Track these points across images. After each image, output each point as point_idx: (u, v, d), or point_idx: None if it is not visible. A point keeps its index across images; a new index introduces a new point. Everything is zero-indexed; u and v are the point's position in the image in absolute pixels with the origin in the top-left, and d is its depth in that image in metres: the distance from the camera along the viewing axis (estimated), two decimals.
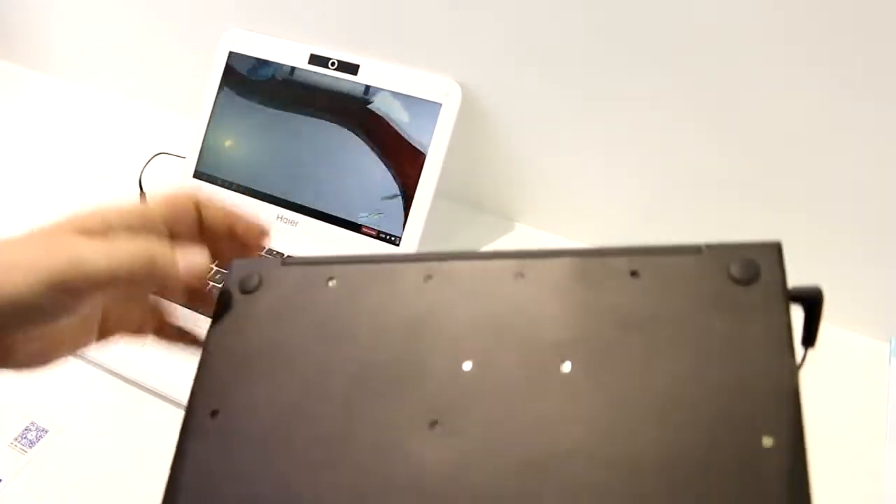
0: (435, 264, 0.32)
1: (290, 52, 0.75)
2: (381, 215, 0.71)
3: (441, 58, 0.71)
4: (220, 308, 0.35)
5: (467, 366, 0.29)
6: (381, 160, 0.71)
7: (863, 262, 0.63)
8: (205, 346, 0.34)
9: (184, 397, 0.61)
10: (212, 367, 0.33)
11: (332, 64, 0.74)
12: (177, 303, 0.40)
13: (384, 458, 0.28)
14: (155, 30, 0.89)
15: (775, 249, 0.28)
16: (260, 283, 0.35)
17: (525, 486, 0.26)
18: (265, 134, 0.76)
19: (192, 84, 0.85)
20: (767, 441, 0.24)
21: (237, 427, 0.31)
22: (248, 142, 0.77)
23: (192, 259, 0.34)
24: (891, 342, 0.66)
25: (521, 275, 0.31)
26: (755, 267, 0.28)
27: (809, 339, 0.30)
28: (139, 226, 0.34)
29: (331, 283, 0.34)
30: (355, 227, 0.72)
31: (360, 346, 0.31)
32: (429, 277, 0.32)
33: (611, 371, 0.27)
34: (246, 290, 0.35)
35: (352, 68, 0.73)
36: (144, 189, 0.79)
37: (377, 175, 0.71)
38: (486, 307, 0.30)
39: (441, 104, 0.69)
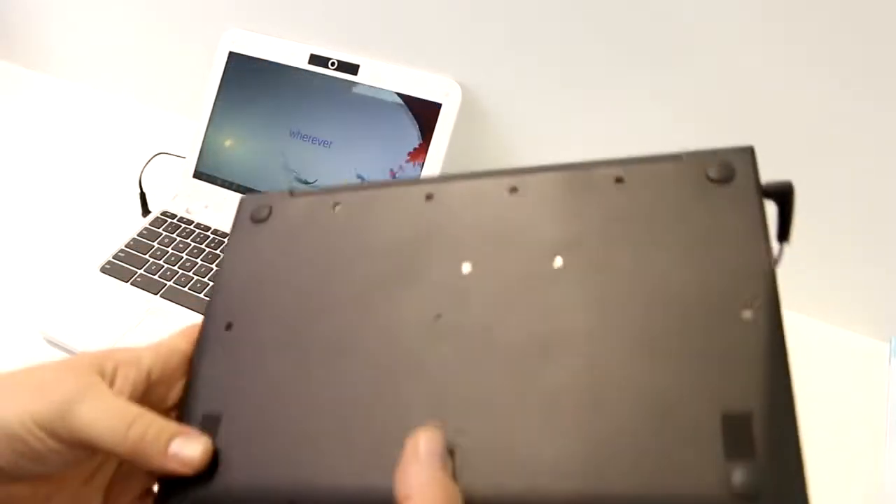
0: (435, 185, 0.35)
1: (290, 52, 0.75)
2: None
3: (441, 58, 0.71)
4: (233, 237, 0.37)
5: (466, 268, 0.31)
6: (382, 160, 0.71)
7: (863, 262, 0.63)
8: (219, 272, 0.36)
9: None
10: (225, 289, 0.35)
11: (332, 64, 0.74)
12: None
13: (392, 349, 0.30)
14: (155, 30, 0.89)
15: (748, 152, 0.30)
16: (270, 212, 0.37)
17: (524, 365, 0.28)
18: (265, 134, 0.76)
19: (192, 84, 0.85)
20: (746, 314, 0.27)
21: (250, 334, 0.32)
22: (249, 142, 0.77)
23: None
24: (891, 342, 0.66)
25: (515, 189, 0.33)
26: (731, 168, 0.30)
27: (784, 233, 0.31)
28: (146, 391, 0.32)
29: (337, 209, 0.36)
30: None
31: (365, 258, 0.33)
32: (429, 197, 0.34)
33: (600, 262, 0.30)
34: (257, 220, 0.37)
35: (352, 68, 0.73)
36: (144, 189, 0.79)
37: (377, 175, 0.71)
38: (482, 218, 0.33)
39: (441, 104, 0.69)
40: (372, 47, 0.73)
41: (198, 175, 0.78)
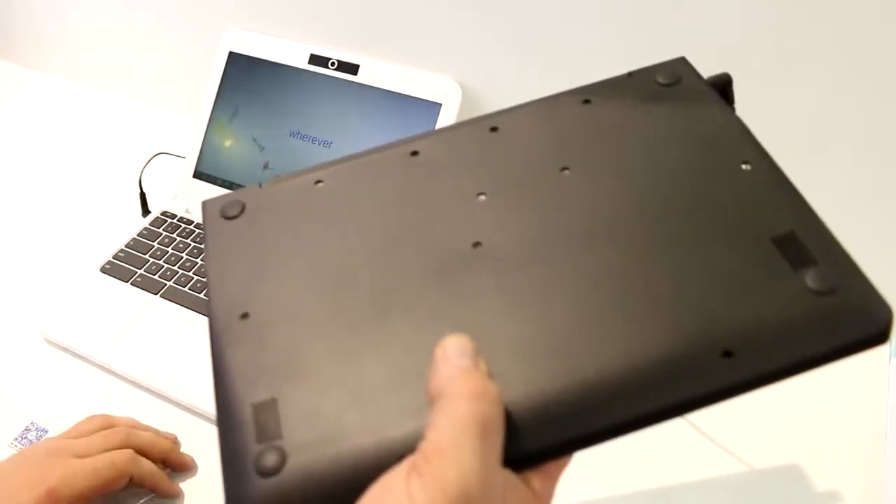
0: (416, 142, 0.36)
1: (290, 52, 0.75)
2: None
3: (441, 58, 0.71)
4: (210, 238, 0.35)
5: (482, 198, 0.33)
6: None
7: (862, 263, 0.63)
8: (209, 274, 0.34)
9: (184, 398, 0.61)
10: (222, 287, 0.33)
11: (332, 64, 0.74)
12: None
13: (435, 289, 0.30)
14: (155, 30, 0.89)
15: (684, 60, 0.37)
16: (243, 208, 0.36)
17: (577, 258, 0.30)
18: (265, 134, 0.76)
19: (192, 84, 0.85)
20: (746, 166, 0.32)
21: (273, 317, 0.31)
22: (248, 142, 0.77)
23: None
24: (891, 342, 0.66)
25: (495, 128, 0.36)
26: (676, 73, 0.37)
27: (730, 106, 0.37)
28: (108, 445, 0.52)
29: (319, 185, 0.35)
30: None
31: (370, 219, 0.33)
32: (414, 153, 0.36)
33: (602, 164, 0.33)
34: (230, 217, 0.35)
35: (352, 68, 0.73)
36: (144, 189, 0.79)
37: None
38: (474, 156, 0.35)
39: (441, 104, 0.69)
40: (372, 47, 0.73)
41: (198, 175, 0.78)
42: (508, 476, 0.25)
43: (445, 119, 0.69)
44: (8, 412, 0.60)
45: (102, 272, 0.70)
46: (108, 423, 0.54)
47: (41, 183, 0.86)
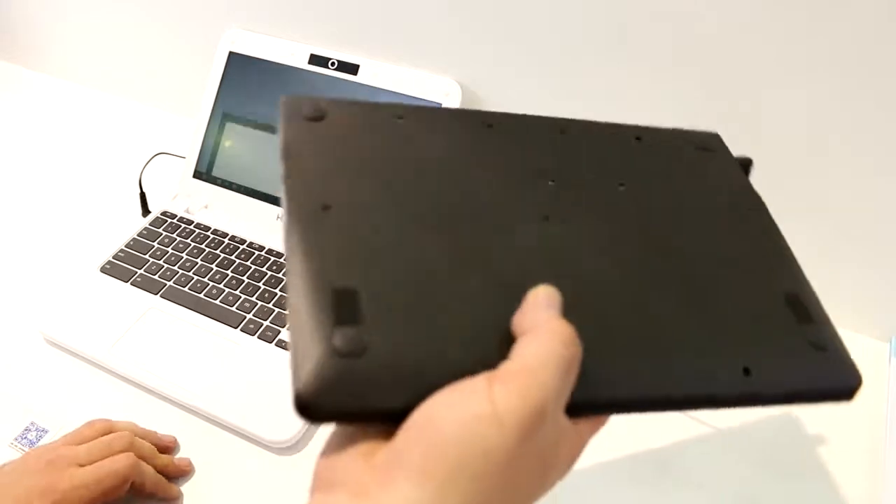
0: (490, 116, 0.40)
1: (290, 52, 0.75)
2: None
3: (441, 58, 0.71)
4: (288, 132, 0.37)
5: (551, 183, 0.37)
6: None
7: (862, 263, 0.64)
8: (287, 162, 0.35)
9: (183, 398, 0.61)
10: (303, 178, 0.34)
11: (332, 64, 0.74)
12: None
13: (514, 242, 0.34)
14: (155, 30, 0.89)
15: (718, 136, 0.44)
16: (324, 114, 0.37)
17: (625, 255, 0.35)
18: (265, 134, 0.76)
19: (192, 84, 0.85)
20: (764, 235, 0.38)
21: (352, 213, 0.33)
22: (248, 142, 0.77)
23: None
24: (891, 342, 0.66)
25: (564, 132, 0.41)
26: (712, 143, 0.43)
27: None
28: (109, 452, 0.51)
29: (399, 121, 0.38)
30: None
31: (443, 161, 0.36)
32: (489, 126, 0.39)
33: (653, 193, 0.39)
34: (312, 118, 0.37)
35: (352, 68, 0.73)
36: (144, 189, 0.79)
37: None
38: (544, 147, 0.39)
39: (441, 104, 0.69)
40: (372, 47, 0.73)
41: (198, 175, 0.78)
42: (566, 420, 0.28)
43: None
44: (8, 412, 0.60)
45: (102, 272, 0.70)
46: (108, 429, 0.54)
47: (41, 183, 0.86)
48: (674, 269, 0.35)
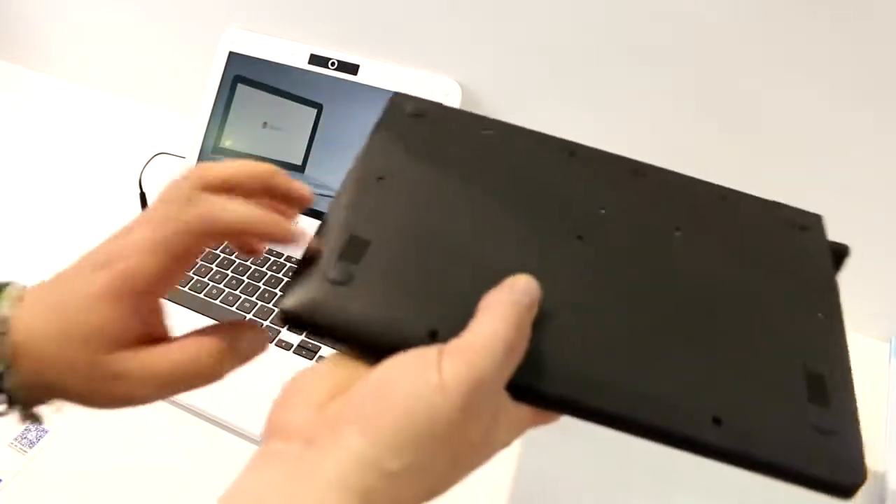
0: (577, 145, 0.42)
1: (290, 52, 0.75)
2: None
3: (441, 58, 0.71)
4: (386, 120, 0.41)
5: (602, 211, 0.38)
6: None
7: (862, 263, 0.63)
8: (371, 138, 0.40)
9: (184, 399, 0.61)
10: (376, 151, 0.39)
11: (332, 64, 0.74)
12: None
13: (539, 247, 0.36)
14: (155, 30, 0.89)
15: (821, 219, 0.42)
16: (424, 113, 0.42)
17: (634, 285, 0.35)
18: (265, 134, 0.76)
19: (192, 84, 0.85)
20: (820, 315, 0.36)
21: (400, 189, 0.37)
22: (248, 142, 0.77)
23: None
24: (891, 342, 0.66)
25: (643, 174, 0.41)
26: (808, 222, 0.41)
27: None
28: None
29: (485, 133, 0.42)
30: None
31: (512, 179, 0.39)
32: (572, 154, 0.41)
33: (710, 247, 0.38)
34: (412, 114, 0.42)
35: (352, 68, 0.73)
36: (144, 189, 0.79)
37: None
38: (612, 181, 0.40)
39: (441, 104, 0.69)
40: (372, 47, 0.73)
41: None
42: (507, 398, 0.30)
43: None
44: (7, 416, 0.60)
45: None
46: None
47: (41, 183, 0.86)
48: (694, 312, 0.35)
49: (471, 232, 0.36)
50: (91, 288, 0.32)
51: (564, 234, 0.37)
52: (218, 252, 0.72)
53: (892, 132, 0.56)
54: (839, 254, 0.41)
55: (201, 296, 0.68)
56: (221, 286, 0.68)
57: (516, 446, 0.57)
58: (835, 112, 0.57)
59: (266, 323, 0.65)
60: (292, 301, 0.32)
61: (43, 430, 0.59)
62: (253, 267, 0.70)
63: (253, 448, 0.57)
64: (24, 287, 0.35)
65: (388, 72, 0.72)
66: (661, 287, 0.35)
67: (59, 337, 0.31)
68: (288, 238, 0.33)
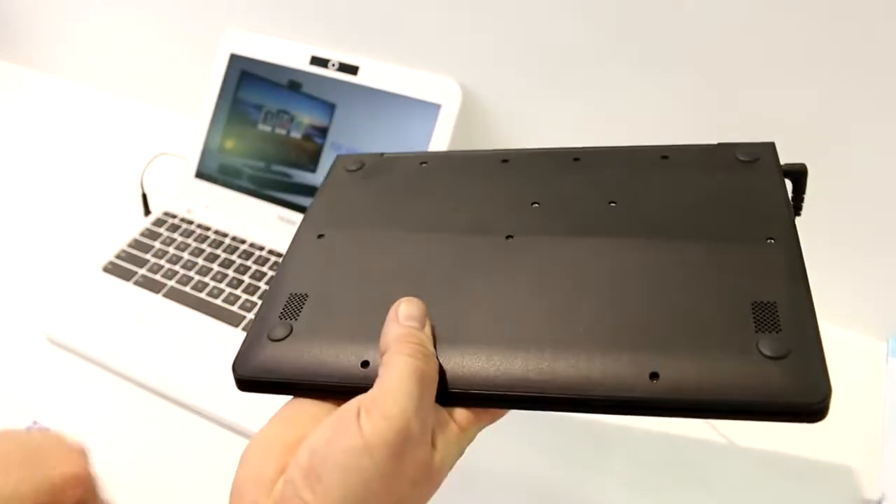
0: (510, 152, 0.43)
1: (290, 53, 0.75)
2: None
3: (441, 58, 0.71)
4: (329, 181, 0.45)
5: (535, 205, 0.39)
6: None
7: (861, 262, 0.64)
8: (315, 200, 0.43)
9: (185, 398, 0.61)
10: (319, 210, 0.42)
11: (333, 65, 0.74)
12: None
13: (463, 259, 0.37)
14: (156, 30, 0.89)
15: (772, 146, 0.41)
16: (362, 165, 0.45)
17: (560, 260, 0.36)
18: (266, 134, 0.76)
19: (192, 84, 0.85)
20: (770, 241, 0.35)
21: (338, 244, 0.40)
22: (249, 142, 0.77)
23: None
24: (888, 341, 0.66)
25: (577, 159, 0.42)
26: (756, 153, 0.40)
27: (797, 207, 0.41)
28: None
29: (424, 165, 0.44)
30: None
31: (447, 197, 0.41)
32: (505, 161, 0.43)
33: (645, 208, 0.38)
34: (350, 170, 0.45)
35: (352, 69, 0.73)
36: (145, 190, 0.79)
37: None
38: (548, 174, 0.41)
39: (441, 104, 0.69)
40: (372, 48, 0.73)
41: (199, 175, 0.78)
42: (439, 413, 0.31)
43: (445, 120, 0.69)
44: (11, 411, 0.60)
45: (105, 272, 0.71)
46: None
47: (43, 183, 0.86)
48: (622, 275, 0.34)
49: (399, 266, 0.37)
50: None
51: (493, 238, 0.38)
52: (219, 252, 0.72)
53: (891, 130, 0.57)
54: (797, 174, 0.40)
55: (202, 295, 0.68)
56: (222, 286, 0.69)
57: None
58: (835, 110, 0.58)
59: None
60: (241, 368, 0.35)
61: (45, 430, 0.59)
62: (254, 267, 0.71)
63: None
64: None
65: (388, 72, 0.72)
66: (591, 265, 0.35)
67: None
68: None
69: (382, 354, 0.31)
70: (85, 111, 0.98)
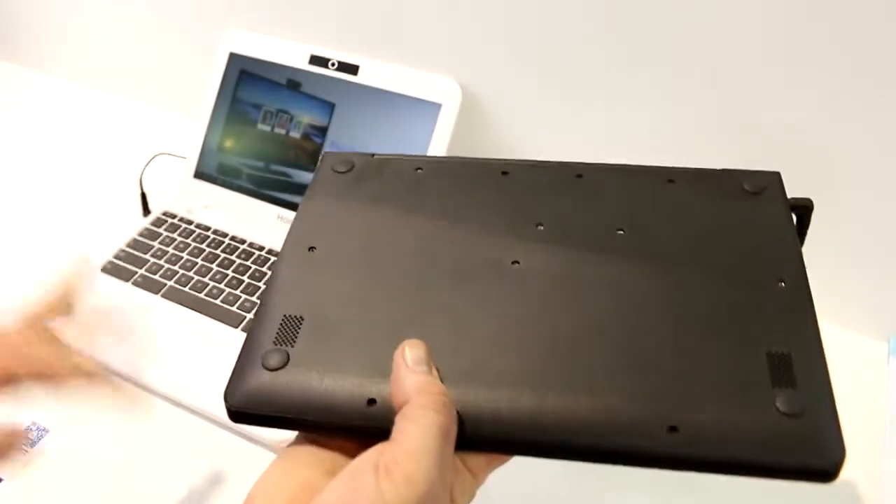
0: (510, 163, 0.41)
1: (290, 52, 0.75)
2: None
3: (441, 58, 0.71)
4: (316, 182, 0.42)
5: (539, 228, 0.37)
6: None
7: (861, 262, 0.64)
8: (302, 207, 0.40)
9: (185, 398, 0.61)
10: (308, 220, 0.40)
11: (332, 65, 0.74)
12: None
13: (473, 287, 0.35)
14: (155, 30, 0.89)
15: (778, 176, 0.39)
16: (352, 167, 0.42)
17: (571, 298, 0.34)
18: (265, 134, 0.76)
19: (192, 84, 0.85)
20: (781, 285, 0.34)
21: (332, 256, 0.37)
22: (249, 142, 0.77)
23: None
24: (889, 341, 0.66)
25: (580, 175, 0.40)
26: (763, 184, 0.39)
27: (801, 238, 0.39)
28: None
29: (419, 171, 0.41)
30: None
31: (446, 210, 0.39)
32: (505, 173, 0.41)
33: (655, 237, 0.36)
34: (339, 171, 0.42)
35: (352, 69, 0.73)
36: (145, 189, 0.79)
37: None
38: (550, 191, 0.39)
39: (441, 104, 0.69)
40: (372, 48, 0.73)
41: (198, 175, 0.78)
42: (456, 463, 0.30)
43: (445, 120, 0.69)
44: (10, 411, 0.60)
45: (103, 272, 0.71)
46: None
47: (42, 183, 0.86)
48: (636, 317, 0.33)
49: (401, 289, 0.35)
50: None
51: (497, 262, 0.36)
52: (218, 252, 0.72)
53: (890, 131, 0.57)
54: (802, 210, 0.38)
55: (202, 295, 0.68)
56: (222, 286, 0.69)
57: None
58: (835, 112, 0.57)
59: None
60: (235, 397, 0.32)
61: (43, 430, 0.59)
62: (253, 267, 0.70)
63: (254, 448, 0.57)
64: None
65: (388, 72, 0.72)
66: (603, 300, 0.34)
67: None
68: None
69: (400, 406, 0.29)
70: (84, 111, 0.97)
